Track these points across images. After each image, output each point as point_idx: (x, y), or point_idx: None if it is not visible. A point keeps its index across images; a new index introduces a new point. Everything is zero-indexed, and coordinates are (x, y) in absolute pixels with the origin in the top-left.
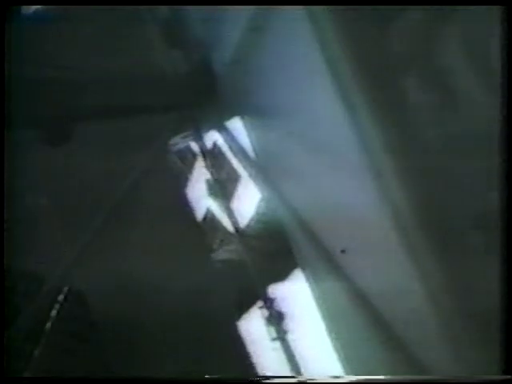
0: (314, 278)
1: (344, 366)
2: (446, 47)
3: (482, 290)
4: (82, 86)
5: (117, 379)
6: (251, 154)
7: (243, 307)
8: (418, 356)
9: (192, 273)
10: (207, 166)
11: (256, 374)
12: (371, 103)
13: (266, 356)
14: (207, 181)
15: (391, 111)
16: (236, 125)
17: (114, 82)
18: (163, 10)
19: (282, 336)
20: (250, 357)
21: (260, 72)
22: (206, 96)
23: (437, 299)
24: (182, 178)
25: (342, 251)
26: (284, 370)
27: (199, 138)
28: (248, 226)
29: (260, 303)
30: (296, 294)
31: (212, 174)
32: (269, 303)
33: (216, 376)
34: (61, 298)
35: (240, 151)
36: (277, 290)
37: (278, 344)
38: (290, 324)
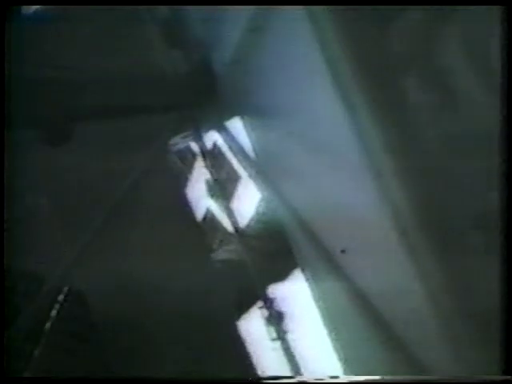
0: (313, 278)
1: (344, 366)
2: (446, 47)
3: (482, 290)
4: (82, 86)
5: (117, 379)
6: (251, 154)
7: (243, 307)
8: (418, 356)
9: (192, 273)
10: (207, 166)
11: (256, 374)
12: (371, 103)
13: (266, 356)
14: (207, 181)
15: (391, 111)
16: (236, 125)
17: (114, 82)
18: (163, 9)
19: (281, 336)
20: (249, 357)
21: (260, 72)
22: (205, 96)
23: (437, 299)
24: (181, 178)
25: (342, 251)
26: (284, 370)
27: (199, 138)
28: (248, 226)
29: (260, 303)
30: (296, 294)
31: (212, 174)
32: (269, 303)
33: (216, 376)
34: (61, 297)
35: (240, 151)
36: (277, 290)
37: (277, 344)
38: (289, 324)
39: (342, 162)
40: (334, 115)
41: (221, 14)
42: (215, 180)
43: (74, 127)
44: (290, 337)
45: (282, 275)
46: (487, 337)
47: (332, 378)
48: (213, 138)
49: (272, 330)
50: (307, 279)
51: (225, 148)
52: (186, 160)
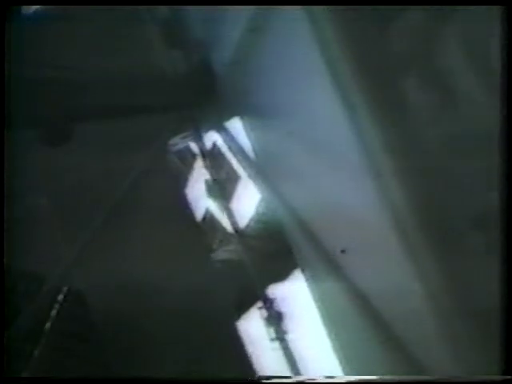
0: (313, 279)
1: (343, 366)
2: (446, 47)
3: (482, 290)
4: (82, 86)
5: (117, 379)
6: (251, 154)
7: (243, 307)
8: (418, 356)
9: (192, 273)
10: (207, 167)
11: (255, 374)
12: (371, 103)
13: (266, 356)
14: (207, 181)
15: (391, 111)
16: (235, 125)
17: (114, 82)
18: (163, 10)
19: (281, 336)
20: (249, 357)
21: (260, 72)
22: (205, 96)
23: (437, 299)
24: (181, 179)
25: (342, 251)
26: (283, 370)
27: (199, 139)
28: (247, 226)
29: (259, 303)
30: (295, 294)
31: (211, 174)
32: (268, 303)
33: (216, 376)
34: (61, 297)
35: (239, 151)
36: (276, 291)
37: (277, 344)
38: (289, 324)
39: (341, 162)
40: (333, 115)
41: (221, 14)
42: (215, 180)
43: (74, 127)
44: (289, 337)
45: (281, 275)
46: (487, 337)
47: (331, 378)
48: (212, 138)
49: (272, 330)
50: (307, 279)
51: (224, 148)
52: (186, 160)
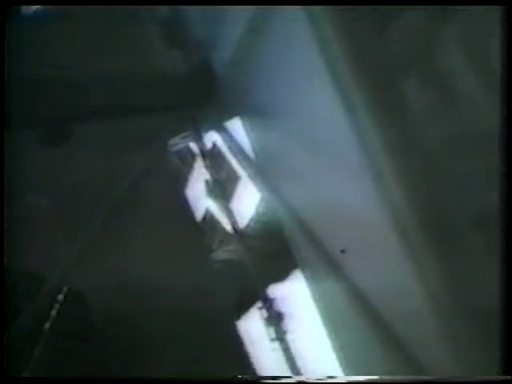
0: (313, 279)
1: (343, 366)
2: (446, 47)
3: (482, 290)
4: (82, 86)
5: (117, 379)
6: (251, 154)
7: (243, 307)
8: (418, 356)
9: (191, 273)
10: (206, 167)
11: (255, 374)
12: (371, 103)
13: (266, 356)
14: (206, 181)
15: (391, 111)
16: (235, 125)
17: (114, 82)
18: (163, 10)
19: (281, 336)
20: (249, 357)
21: (260, 72)
22: (205, 96)
23: (436, 299)
24: (181, 179)
25: (342, 251)
26: (283, 370)
27: (199, 139)
28: (247, 226)
29: (259, 303)
30: (295, 294)
31: (211, 174)
32: (268, 303)
33: (216, 376)
34: (61, 297)
35: (239, 151)
36: (276, 291)
37: (277, 344)
38: (289, 324)
39: (341, 162)
40: (333, 115)
41: (221, 13)
42: (215, 180)
43: (74, 127)
44: (289, 337)
45: (281, 275)
46: (487, 337)
47: (331, 378)
48: (212, 138)
49: (271, 330)
50: (307, 279)
51: (224, 148)
52: (186, 160)
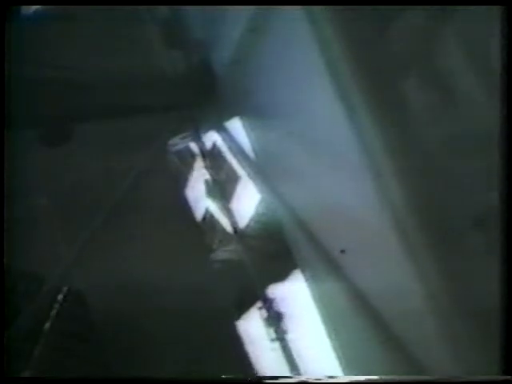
0: (313, 279)
1: (343, 366)
2: (446, 47)
3: (482, 290)
4: (82, 86)
5: (117, 379)
6: (250, 154)
7: (243, 307)
8: (418, 356)
9: (191, 273)
10: (206, 167)
11: (255, 374)
12: (371, 103)
13: (265, 356)
14: (206, 181)
15: (391, 111)
16: (235, 125)
17: (114, 82)
18: (163, 10)
19: (281, 336)
20: (249, 357)
21: (260, 72)
22: (205, 96)
23: (437, 299)
24: (181, 179)
25: (342, 251)
26: (283, 370)
27: (198, 139)
28: (247, 226)
29: (259, 303)
30: (295, 294)
31: (211, 174)
32: (268, 303)
33: (216, 376)
34: (61, 297)
35: (239, 151)
36: (276, 291)
37: (277, 344)
38: (289, 324)
39: (341, 162)
40: (333, 115)
41: (221, 13)
42: (214, 180)
43: (74, 127)
44: (289, 337)
45: (281, 275)
46: (487, 337)
47: (331, 377)
48: (212, 138)
49: (271, 330)
50: (306, 279)
51: (224, 148)
52: (186, 160)
